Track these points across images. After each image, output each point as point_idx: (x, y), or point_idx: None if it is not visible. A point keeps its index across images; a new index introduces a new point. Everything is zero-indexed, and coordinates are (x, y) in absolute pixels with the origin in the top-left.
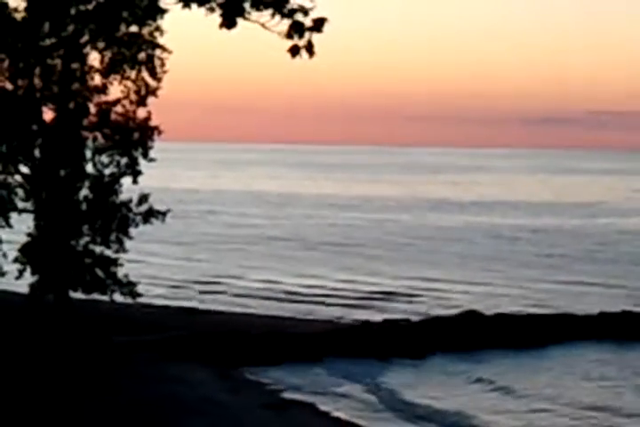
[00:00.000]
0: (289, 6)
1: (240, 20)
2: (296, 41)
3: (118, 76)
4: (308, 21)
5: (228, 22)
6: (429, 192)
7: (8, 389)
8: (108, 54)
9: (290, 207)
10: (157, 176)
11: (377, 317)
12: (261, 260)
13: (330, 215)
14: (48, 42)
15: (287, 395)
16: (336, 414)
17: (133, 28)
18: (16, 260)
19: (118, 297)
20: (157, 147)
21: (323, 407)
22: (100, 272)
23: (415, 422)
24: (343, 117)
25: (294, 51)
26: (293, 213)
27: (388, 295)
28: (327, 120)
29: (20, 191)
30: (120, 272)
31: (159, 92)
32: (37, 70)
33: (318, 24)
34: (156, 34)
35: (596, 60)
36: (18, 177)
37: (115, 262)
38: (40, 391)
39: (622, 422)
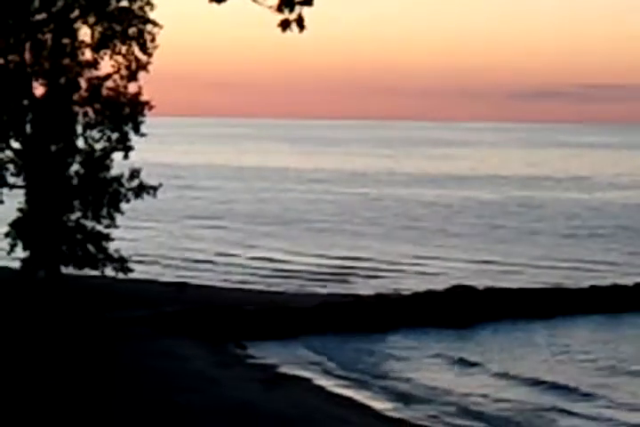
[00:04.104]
0: None
1: None
2: (287, 15)
3: (109, 51)
4: None
5: None
6: (415, 166)
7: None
8: (98, 29)
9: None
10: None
11: (355, 291)
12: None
13: (307, 190)
14: (39, 17)
15: (282, 370)
16: (331, 388)
17: (124, 3)
18: (7, 235)
19: (110, 272)
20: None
21: (318, 382)
22: (91, 247)
23: (409, 398)
24: (335, 92)
25: (285, 25)
26: (273, 187)
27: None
28: (308, 94)
29: (11, 166)
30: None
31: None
32: (28, 45)
33: None
34: (147, 8)
35: (589, 32)
36: (9, 152)
37: (106, 238)
38: (32, 367)
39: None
